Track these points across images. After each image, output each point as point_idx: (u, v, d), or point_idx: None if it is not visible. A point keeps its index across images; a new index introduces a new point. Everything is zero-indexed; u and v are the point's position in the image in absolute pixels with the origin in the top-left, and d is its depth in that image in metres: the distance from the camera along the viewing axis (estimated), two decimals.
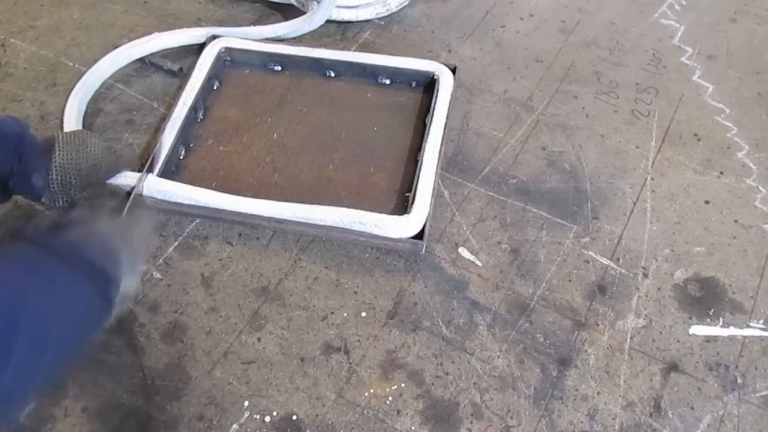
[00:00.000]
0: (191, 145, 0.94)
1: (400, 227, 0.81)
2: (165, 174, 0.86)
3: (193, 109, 0.95)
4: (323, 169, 0.92)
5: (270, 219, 0.83)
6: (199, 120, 0.97)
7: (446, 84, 0.98)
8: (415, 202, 0.83)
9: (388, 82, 1.03)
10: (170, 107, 0.96)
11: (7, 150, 0.74)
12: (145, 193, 0.84)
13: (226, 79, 1.04)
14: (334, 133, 0.96)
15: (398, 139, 0.95)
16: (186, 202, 0.84)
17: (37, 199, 0.78)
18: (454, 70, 1.01)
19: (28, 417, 0.70)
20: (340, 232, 0.82)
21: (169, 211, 0.86)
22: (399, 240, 0.82)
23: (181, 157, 0.92)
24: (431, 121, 0.92)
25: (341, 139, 0.95)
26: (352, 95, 1.02)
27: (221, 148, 0.94)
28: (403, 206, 0.86)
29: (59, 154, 0.77)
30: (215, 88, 1.02)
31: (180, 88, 0.97)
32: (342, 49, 1.09)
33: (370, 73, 1.03)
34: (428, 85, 1.01)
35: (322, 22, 1.10)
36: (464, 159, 0.95)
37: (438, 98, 0.96)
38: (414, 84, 1.02)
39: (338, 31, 1.14)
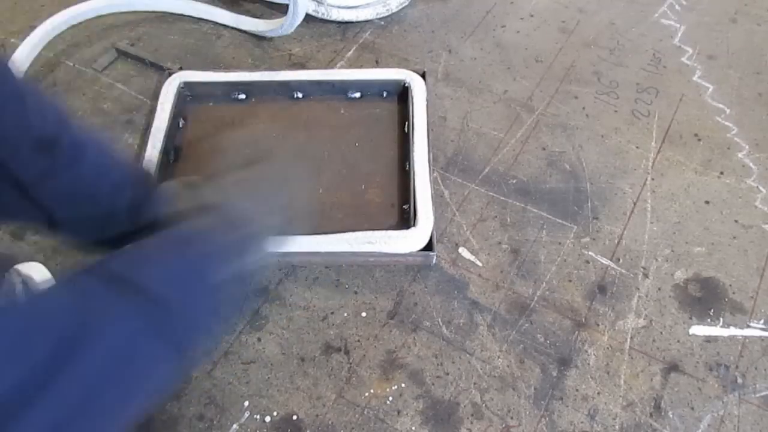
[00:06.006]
0: None
1: (410, 240, 0.79)
2: None
3: (164, 152, 0.88)
4: (312, 194, 0.86)
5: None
6: (171, 161, 0.91)
7: (419, 90, 0.95)
8: (418, 213, 0.81)
9: (358, 95, 0.99)
10: None
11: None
12: None
13: (191, 116, 0.97)
14: (316, 156, 0.92)
15: (382, 150, 0.93)
16: None
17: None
18: (423, 75, 0.98)
19: None
20: (349, 257, 0.80)
21: None
22: (409, 254, 0.80)
23: None
24: (413, 130, 0.90)
25: (324, 160, 0.92)
26: (326, 114, 0.98)
27: None
28: (402, 218, 0.84)
29: None
30: (181, 126, 0.96)
31: (146, 131, 0.92)
32: (342, 49, 1.09)
33: (339, 88, 0.99)
34: (400, 93, 0.99)
35: (293, 29, 1.06)
36: (464, 159, 0.95)
37: (414, 105, 0.93)
38: (385, 94, 0.99)
39: (338, 31, 1.14)
